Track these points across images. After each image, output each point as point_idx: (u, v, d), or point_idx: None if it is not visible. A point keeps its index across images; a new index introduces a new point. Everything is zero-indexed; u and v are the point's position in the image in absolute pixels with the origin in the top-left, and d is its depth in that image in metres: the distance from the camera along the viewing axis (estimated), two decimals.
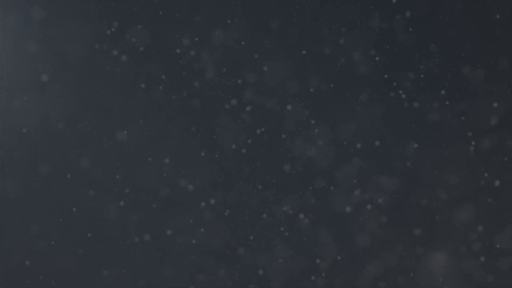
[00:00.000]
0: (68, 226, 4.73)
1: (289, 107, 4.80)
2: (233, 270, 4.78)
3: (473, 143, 4.79)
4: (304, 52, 4.81)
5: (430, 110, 4.80)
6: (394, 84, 4.73)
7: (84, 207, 4.74)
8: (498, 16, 4.76)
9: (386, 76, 4.77)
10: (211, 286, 4.76)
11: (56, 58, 4.72)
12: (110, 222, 4.75)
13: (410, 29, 4.78)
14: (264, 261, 4.78)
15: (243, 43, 4.79)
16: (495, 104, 4.75)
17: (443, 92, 4.79)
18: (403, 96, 4.76)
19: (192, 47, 4.77)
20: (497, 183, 4.69)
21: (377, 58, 4.77)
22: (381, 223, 4.76)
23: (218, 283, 4.77)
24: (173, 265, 4.78)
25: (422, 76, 4.78)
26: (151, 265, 4.77)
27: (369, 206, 4.74)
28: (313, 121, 4.78)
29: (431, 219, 4.79)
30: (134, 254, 4.75)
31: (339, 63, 4.80)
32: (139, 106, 4.76)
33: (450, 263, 4.74)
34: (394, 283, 4.76)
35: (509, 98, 4.77)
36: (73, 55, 4.72)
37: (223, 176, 4.80)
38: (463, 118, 4.79)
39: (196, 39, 4.75)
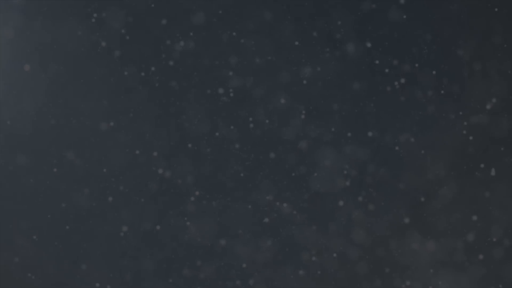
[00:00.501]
0: (58, 222, 4.75)
1: (279, 97, 4.81)
2: (218, 263, 4.80)
3: (469, 132, 4.80)
4: (296, 43, 4.82)
5: (424, 99, 4.81)
6: (386, 70, 4.75)
7: (73, 202, 4.75)
8: (496, 9, 4.80)
9: (377, 62, 4.78)
10: (197, 280, 4.78)
11: (39, 48, 4.71)
12: (99, 217, 4.79)
13: (405, 16, 4.79)
14: (250, 254, 4.80)
15: (234, 33, 4.79)
16: (492, 93, 4.77)
17: (438, 80, 4.80)
18: (396, 83, 4.76)
19: (182, 38, 4.79)
20: (493, 172, 4.71)
21: (368, 45, 4.79)
22: (372, 216, 4.77)
23: (204, 277, 4.78)
24: (159, 260, 4.81)
25: (416, 65, 4.80)
26: (138, 259, 4.79)
27: (360, 198, 4.75)
28: (303, 111, 4.80)
29: (424, 210, 4.81)
30: (122, 249, 4.78)
31: (329, 49, 4.82)
32: (127, 98, 4.78)
33: (442, 254, 4.76)
34: (385, 275, 4.77)
35: (507, 87, 4.77)
36: (57, 44, 4.73)
37: (210, 168, 4.83)
38: (459, 107, 4.80)
39: (187, 31, 4.78)
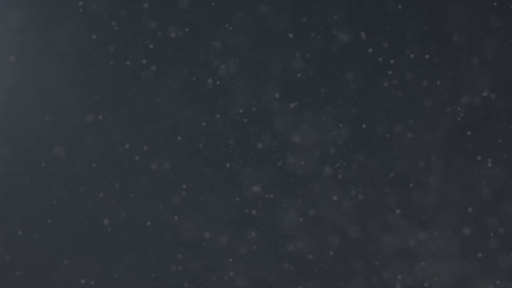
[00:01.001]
0: (46, 218, 4.75)
1: (269, 88, 4.82)
2: (205, 257, 4.81)
3: (466, 124, 4.81)
4: (291, 35, 4.83)
5: (419, 89, 4.81)
6: (380, 59, 4.75)
7: (61, 197, 4.75)
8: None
9: (370, 50, 4.78)
10: (184, 274, 4.78)
11: (27, 41, 4.69)
12: (86, 212, 4.78)
13: (400, 6, 4.80)
14: (237, 247, 4.80)
15: (227, 25, 4.79)
16: (489, 84, 4.77)
17: (434, 70, 4.82)
18: (390, 72, 4.77)
19: (173, 30, 4.79)
20: (489, 164, 4.72)
21: (362, 34, 4.79)
22: (364, 207, 4.78)
23: (190, 271, 4.79)
24: (146, 254, 4.80)
25: (412, 56, 4.79)
26: (125, 254, 4.80)
27: (353, 192, 4.76)
28: (296, 103, 4.81)
29: (419, 201, 4.80)
30: (109, 244, 4.79)
31: (320, 37, 4.81)
32: (116, 92, 4.78)
33: (436, 247, 4.76)
34: (375, 266, 4.77)
35: (504, 78, 4.78)
36: (46, 38, 4.72)
37: (199, 160, 4.83)
38: (455, 98, 4.80)
39: (178, 23, 4.79)
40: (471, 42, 4.79)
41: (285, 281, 4.79)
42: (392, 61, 4.80)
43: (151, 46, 4.76)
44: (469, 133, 4.79)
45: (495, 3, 4.78)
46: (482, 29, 4.79)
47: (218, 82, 4.79)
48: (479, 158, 4.73)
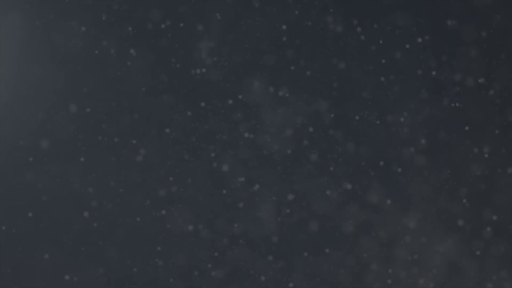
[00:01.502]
0: (34, 214, 4.71)
1: (259, 80, 4.81)
2: (192, 252, 4.80)
3: (463, 116, 4.82)
4: (284, 27, 4.82)
5: (413, 78, 4.81)
6: (373, 48, 4.76)
7: (48, 191, 4.71)
8: None
9: (363, 37, 4.78)
10: (168, 268, 4.80)
11: (17, 32, 4.65)
12: (74, 207, 4.74)
13: None
14: (224, 241, 4.82)
15: (219, 17, 4.78)
16: (487, 74, 4.78)
17: (429, 61, 4.82)
18: (383, 61, 4.77)
19: (164, 21, 4.77)
20: (486, 156, 4.73)
21: (355, 22, 4.79)
22: (355, 199, 4.78)
23: (177, 266, 4.79)
24: (132, 249, 4.80)
25: (407, 46, 4.78)
26: (111, 250, 4.77)
27: (348, 186, 4.75)
28: (285, 93, 4.79)
29: (412, 191, 4.81)
30: (95, 239, 4.76)
31: (312, 25, 4.82)
32: (103, 85, 4.75)
33: (430, 241, 4.78)
34: (365, 260, 4.77)
35: (503, 69, 4.80)
36: (34, 30, 4.68)
37: (186, 153, 4.82)
38: (450, 88, 4.80)
39: (170, 14, 4.77)
40: (467, 31, 4.79)
41: (273, 276, 4.80)
42: (386, 51, 4.81)
43: (140, 37, 4.74)
44: (466, 127, 4.78)
45: None
46: (480, 19, 4.81)
47: (205, 72, 4.78)
48: (475, 150, 4.74)
